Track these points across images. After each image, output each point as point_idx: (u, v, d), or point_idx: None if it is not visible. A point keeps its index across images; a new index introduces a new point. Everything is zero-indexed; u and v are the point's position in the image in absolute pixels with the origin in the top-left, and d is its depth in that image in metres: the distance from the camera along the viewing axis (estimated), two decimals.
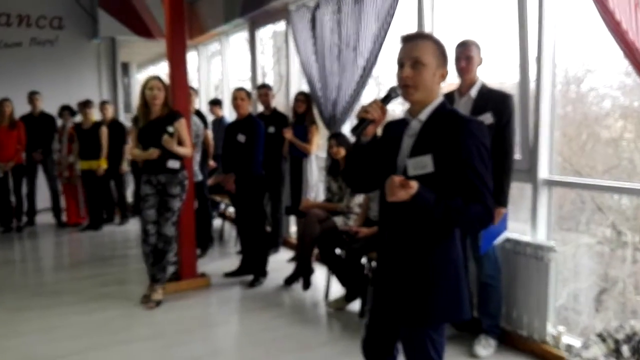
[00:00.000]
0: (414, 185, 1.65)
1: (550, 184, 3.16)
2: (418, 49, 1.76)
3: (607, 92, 3.83)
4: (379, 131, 1.92)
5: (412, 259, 1.80)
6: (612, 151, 4.00)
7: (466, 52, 2.97)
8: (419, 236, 1.79)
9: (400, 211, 1.77)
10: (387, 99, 1.86)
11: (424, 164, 1.74)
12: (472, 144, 1.71)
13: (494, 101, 2.93)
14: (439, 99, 1.82)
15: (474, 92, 2.98)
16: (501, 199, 2.93)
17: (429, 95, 1.79)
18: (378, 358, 2.05)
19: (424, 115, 1.80)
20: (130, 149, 4.14)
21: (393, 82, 1.87)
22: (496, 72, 4.32)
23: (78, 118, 6.68)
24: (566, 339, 3.00)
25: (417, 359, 1.88)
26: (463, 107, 2.97)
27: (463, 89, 3.03)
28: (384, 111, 1.83)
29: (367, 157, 1.88)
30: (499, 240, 3.10)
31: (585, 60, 3.86)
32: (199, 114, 5.70)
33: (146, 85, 3.82)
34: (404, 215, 1.78)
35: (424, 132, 1.79)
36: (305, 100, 4.92)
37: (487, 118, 2.90)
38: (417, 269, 1.80)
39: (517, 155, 3.35)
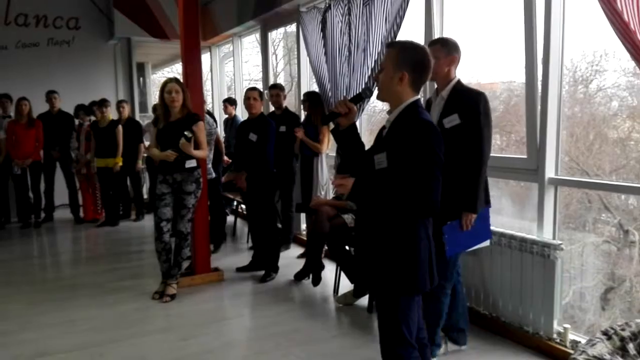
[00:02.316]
0: (348, 182, 2.01)
1: (557, 183, 3.18)
2: (384, 56, 2.06)
3: (614, 93, 3.84)
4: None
5: (374, 238, 2.04)
6: (620, 151, 4.01)
7: None
8: (377, 219, 2.01)
9: (363, 199, 2.09)
10: (358, 97, 2.20)
11: (382, 160, 1.98)
12: (416, 146, 1.88)
13: (463, 101, 2.77)
14: (408, 101, 2.00)
15: (445, 92, 2.85)
16: (470, 204, 2.75)
17: (393, 96, 2.03)
18: None
19: (392, 116, 2.04)
20: (149, 148, 4.25)
21: None
22: (504, 72, 4.36)
23: (92, 117, 6.83)
24: (572, 336, 3.03)
25: (387, 333, 2.07)
26: (437, 107, 2.88)
27: (439, 89, 2.91)
28: (349, 107, 2.15)
29: (345, 143, 2.22)
30: (475, 248, 2.96)
31: (593, 60, 3.88)
32: (209, 114, 5.80)
33: (165, 88, 3.90)
34: (366, 202, 2.08)
35: (390, 131, 2.03)
36: (307, 100, 5.01)
37: (454, 119, 2.78)
38: (377, 246, 2.02)
39: (522, 155, 3.38)
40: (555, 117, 3.16)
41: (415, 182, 1.86)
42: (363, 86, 4.39)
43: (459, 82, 2.87)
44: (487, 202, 2.95)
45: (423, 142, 1.88)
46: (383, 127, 2.10)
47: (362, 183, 2.02)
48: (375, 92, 2.12)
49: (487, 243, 3.02)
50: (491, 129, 2.82)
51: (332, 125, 2.37)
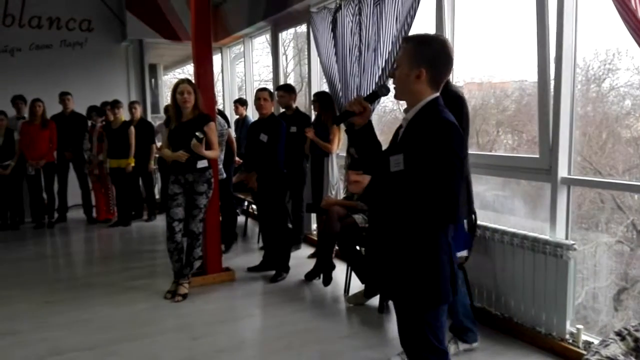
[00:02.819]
0: (363, 180, 1.87)
1: (570, 182, 3.16)
2: (400, 52, 1.93)
3: (627, 92, 3.80)
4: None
5: (390, 246, 1.89)
6: (633, 150, 3.97)
7: None
8: (394, 225, 1.87)
9: (377, 203, 1.95)
10: (373, 95, 2.07)
11: (398, 161, 1.85)
12: (437, 147, 1.74)
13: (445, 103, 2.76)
14: (427, 99, 1.86)
15: None
16: None
17: (410, 95, 1.89)
18: None
19: (410, 115, 1.90)
20: (162, 149, 4.29)
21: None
22: (515, 70, 4.34)
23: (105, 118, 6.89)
24: (585, 337, 3.01)
25: (415, 343, 1.95)
26: None
27: None
28: (364, 106, 2.02)
29: (361, 143, 2.10)
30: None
31: (605, 59, 3.85)
32: (221, 114, 5.84)
33: (177, 89, 3.93)
34: (380, 206, 1.94)
35: (407, 131, 1.89)
36: (317, 100, 5.02)
37: None
38: (395, 256, 1.88)
39: (535, 154, 3.36)
40: (568, 117, 3.13)
41: (435, 186, 1.73)
42: (374, 86, 4.39)
43: (447, 82, 2.74)
44: (470, 212, 2.90)
45: (444, 143, 1.74)
46: (400, 127, 1.97)
47: (376, 185, 1.89)
48: (392, 91, 2.00)
49: (464, 253, 2.99)
50: (468, 134, 2.76)
51: (343, 127, 2.33)
